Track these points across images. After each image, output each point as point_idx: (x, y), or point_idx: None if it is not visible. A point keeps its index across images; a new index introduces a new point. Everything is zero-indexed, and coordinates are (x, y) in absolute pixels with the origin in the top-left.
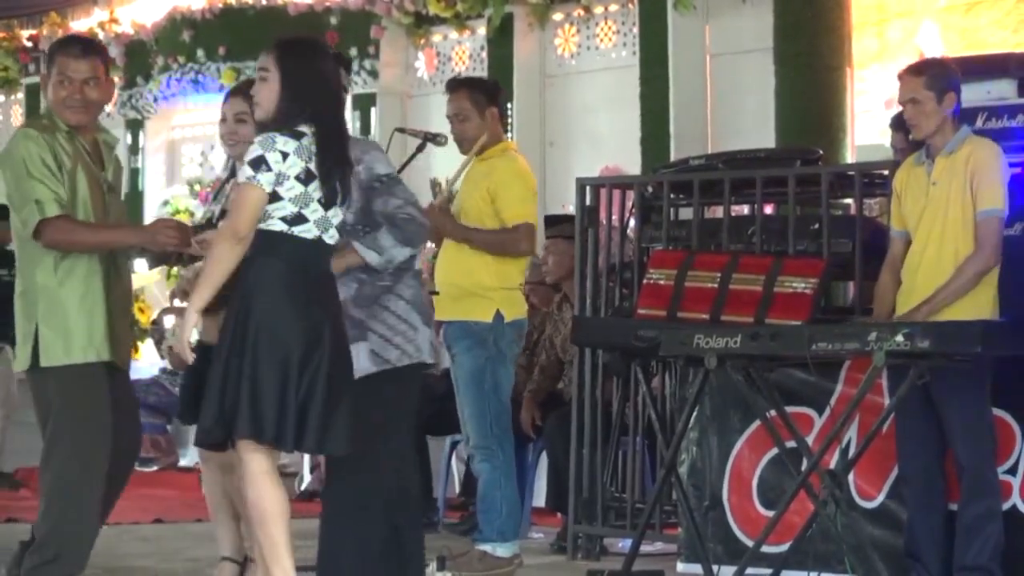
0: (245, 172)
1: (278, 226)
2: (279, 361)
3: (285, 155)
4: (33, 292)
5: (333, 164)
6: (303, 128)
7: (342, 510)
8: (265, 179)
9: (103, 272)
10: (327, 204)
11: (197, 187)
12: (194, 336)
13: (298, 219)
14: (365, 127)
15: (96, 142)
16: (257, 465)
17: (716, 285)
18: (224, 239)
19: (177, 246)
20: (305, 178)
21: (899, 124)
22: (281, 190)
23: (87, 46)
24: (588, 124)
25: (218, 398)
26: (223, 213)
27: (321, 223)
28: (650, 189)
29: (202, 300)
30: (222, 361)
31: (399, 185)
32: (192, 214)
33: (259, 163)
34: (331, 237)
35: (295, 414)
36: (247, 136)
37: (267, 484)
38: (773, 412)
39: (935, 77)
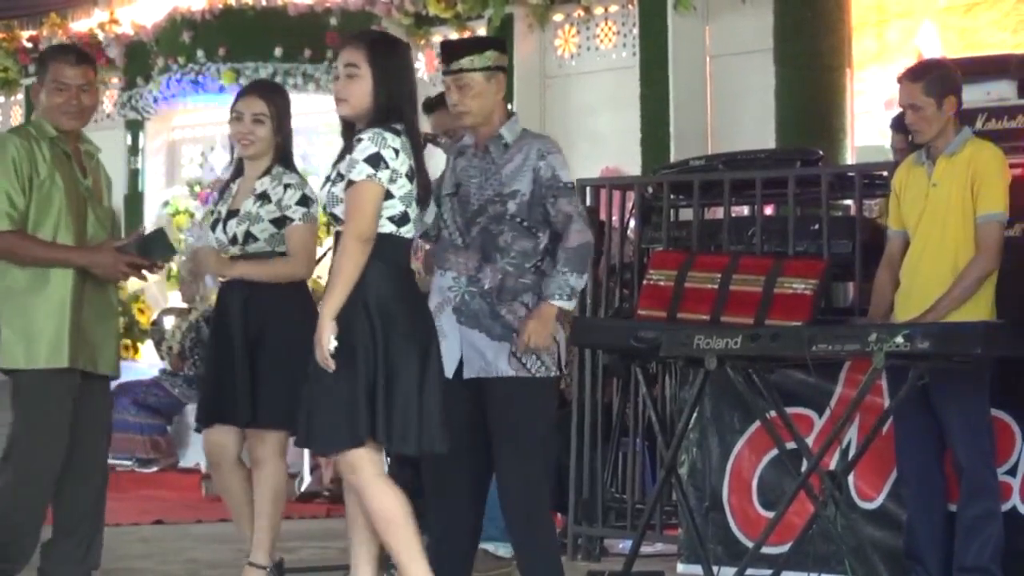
0: (362, 170)
1: (387, 227)
2: (411, 369)
3: (397, 152)
4: (1, 294)
5: (423, 161)
6: (398, 126)
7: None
8: (384, 176)
9: (76, 278)
10: (420, 202)
11: (197, 188)
12: (332, 343)
13: (404, 218)
14: None
15: (78, 151)
16: (372, 470)
17: (716, 286)
18: (352, 243)
19: (125, 279)
20: (411, 175)
21: (899, 125)
22: (393, 188)
23: (81, 54)
24: (588, 125)
25: (367, 411)
26: (230, 214)
27: (416, 222)
28: (650, 190)
29: (335, 307)
30: (361, 373)
31: (574, 195)
32: (192, 215)
33: (377, 160)
34: (416, 236)
35: (417, 419)
36: (264, 137)
37: (385, 488)
38: (773, 413)
39: (934, 82)
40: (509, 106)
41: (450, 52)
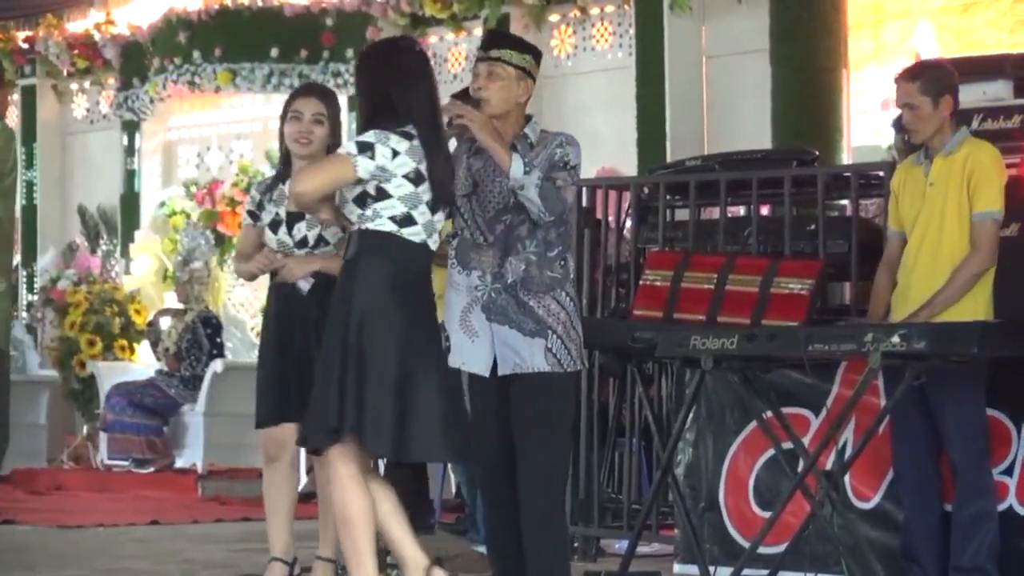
0: (346, 146)
1: (387, 226)
2: (387, 367)
3: (396, 153)
4: None
5: (441, 167)
6: (411, 130)
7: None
8: (363, 164)
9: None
10: (434, 208)
11: (193, 188)
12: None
13: (407, 220)
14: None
15: None
16: (345, 469)
17: (712, 286)
18: (296, 193)
19: None
20: (415, 179)
21: (901, 126)
22: (389, 187)
23: None
24: (584, 125)
25: (337, 404)
26: (293, 216)
27: (427, 227)
28: (646, 190)
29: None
30: (336, 366)
31: (572, 177)
32: (188, 215)
33: (365, 147)
34: (434, 242)
35: (396, 421)
36: (321, 137)
37: (353, 489)
38: (769, 413)
39: (930, 81)
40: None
41: (494, 40)
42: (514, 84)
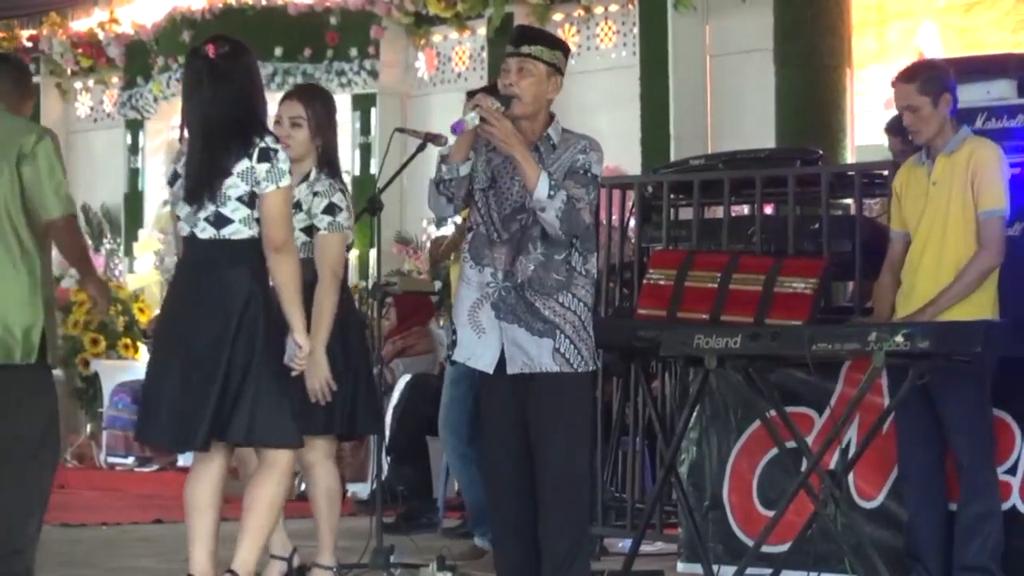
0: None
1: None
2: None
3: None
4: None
5: (190, 162)
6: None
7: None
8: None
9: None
10: (187, 199)
11: None
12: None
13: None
14: (365, 127)
15: None
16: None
17: (716, 285)
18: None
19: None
20: (172, 180)
21: (893, 128)
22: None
23: None
24: (588, 124)
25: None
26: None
27: (187, 219)
28: (650, 189)
29: None
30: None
31: (594, 186)
32: None
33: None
34: (200, 231)
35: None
36: (302, 141)
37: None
38: (773, 412)
39: (928, 81)
40: None
41: (525, 35)
42: (544, 81)
